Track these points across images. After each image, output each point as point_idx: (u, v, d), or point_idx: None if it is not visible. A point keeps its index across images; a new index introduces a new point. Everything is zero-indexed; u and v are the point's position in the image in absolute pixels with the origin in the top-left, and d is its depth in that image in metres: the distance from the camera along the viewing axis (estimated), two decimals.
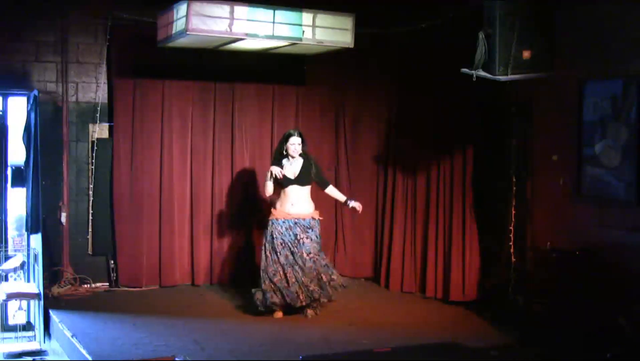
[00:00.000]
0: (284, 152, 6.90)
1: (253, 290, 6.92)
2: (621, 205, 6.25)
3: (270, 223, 6.89)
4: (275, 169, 6.79)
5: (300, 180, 6.88)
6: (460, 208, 7.63)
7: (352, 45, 6.90)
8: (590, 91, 6.52)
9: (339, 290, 6.97)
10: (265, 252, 6.87)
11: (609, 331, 5.91)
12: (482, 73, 6.13)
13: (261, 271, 6.86)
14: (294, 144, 6.85)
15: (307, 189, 6.94)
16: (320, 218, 7.01)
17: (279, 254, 6.78)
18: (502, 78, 6.09)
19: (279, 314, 6.86)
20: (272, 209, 6.94)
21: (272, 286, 6.75)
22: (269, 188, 6.90)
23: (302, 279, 6.73)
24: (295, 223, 6.84)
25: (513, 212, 7.28)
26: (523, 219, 7.22)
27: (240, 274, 8.28)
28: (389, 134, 8.47)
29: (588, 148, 6.55)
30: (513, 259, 7.26)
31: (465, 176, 7.64)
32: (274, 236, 6.82)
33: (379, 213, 8.53)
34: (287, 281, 6.73)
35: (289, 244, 6.80)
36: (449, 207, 7.71)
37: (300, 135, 6.91)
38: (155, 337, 6.23)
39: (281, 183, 6.86)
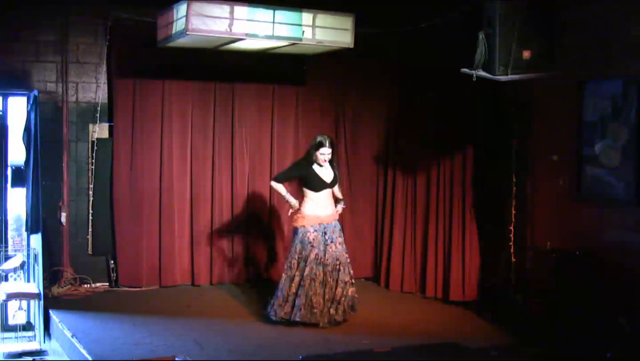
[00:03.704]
0: (313, 159, 6.67)
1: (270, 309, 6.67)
2: (621, 205, 6.25)
3: (300, 231, 6.62)
4: (292, 203, 6.71)
5: (333, 184, 6.75)
6: (460, 208, 7.63)
7: (352, 46, 6.89)
8: (590, 91, 6.52)
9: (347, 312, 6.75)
10: (291, 263, 6.62)
11: (609, 331, 5.91)
12: (482, 73, 6.12)
13: (285, 285, 6.61)
14: (324, 154, 6.63)
15: (332, 191, 6.83)
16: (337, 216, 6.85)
17: (307, 267, 6.51)
18: (502, 78, 6.09)
19: None
20: (300, 216, 6.67)
21: (293, 298, 6.53)
22: (293, 201, 6.72)
23: (326, 297, 6.53)
24: (335, 226, 6.68)
25: (513, 212, 7.29)
26: (523, 219, 7.23)
27: (241, 274, 8.29)
28: (389, 134, 8.47)
29: (588, 148, 6.55)
30: (513, 259, 7.27)
31: (465, 176, 7.64)
32: (305, 245, 6.57)
33: (379, 213, 8.53)
34: (310, 298, 6.48)
35: (321, 254, 6.56)
36: (449, 207, 7.71)
37: (331, 144, 6.68)
38: (155, 337, 6.24)
39: (315, 187, 6.65)
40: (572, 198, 6.72)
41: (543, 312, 6.63)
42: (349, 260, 6.79)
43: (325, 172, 6.72)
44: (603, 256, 6.27)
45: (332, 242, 6.65)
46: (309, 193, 6.69)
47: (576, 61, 6.54)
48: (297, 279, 6.55)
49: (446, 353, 5.57)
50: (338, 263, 6.64)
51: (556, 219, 6.88)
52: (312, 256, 6.56)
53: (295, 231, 6.71)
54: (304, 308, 6.48)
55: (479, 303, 7.41)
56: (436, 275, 7.77)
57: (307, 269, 6.53)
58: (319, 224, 6.63)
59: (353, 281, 6.79)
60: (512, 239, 7.27)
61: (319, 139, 6.70)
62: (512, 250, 7.27)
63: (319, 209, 6.66)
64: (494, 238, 7.51)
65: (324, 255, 6.59)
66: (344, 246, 6.78)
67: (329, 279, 6.58)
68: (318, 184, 6.67)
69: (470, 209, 7.61)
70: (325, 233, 6.65)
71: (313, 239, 6.59)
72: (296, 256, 6.61)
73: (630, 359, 5.67)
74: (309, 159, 6.72)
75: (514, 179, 7.31)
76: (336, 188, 6.88)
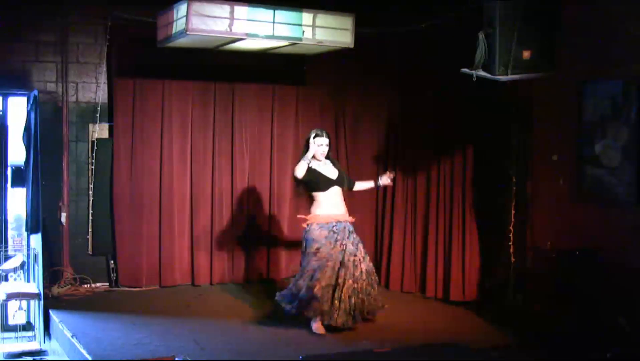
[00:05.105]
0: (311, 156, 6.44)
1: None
2: (621, 205, 6.25)
3: (306, 230, 6.42)
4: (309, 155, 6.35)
5: (340, 182, 6.53)
6: (460, 208, 7.64)
7: (352, 46, 6.89)
8: (590, 91, 6.52)
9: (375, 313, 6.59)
10: (305, 263, 6.39)
11: (609, 331, 5.91)
12: (482, 73, 6.12)
13: (304, 280, 6.32)
14: (322, 145, 6.46)
15: (342, 191, 6.59)
16: (353, 220, 6.64)
17: (319, 263, 6.26)
18: (502, 78, 6.09)
19: (320, 329, 6.32)
20: (309, 215, 6.46)
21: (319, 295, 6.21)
22: (303, 167, 6.31)
23: (343, 297, 6.22)
24: (345, 227, 6.43)
25: (513, 212, 7.28)
26: (523, 219, 7.22)
27: (241, 274, 8.29)
28: (389, 134, 8.46)
29: (588, 148, 6.55)
30: (513, 259, 7.26)
31: (465, 176, 7.64)
32: (309, 243, 6.36)
33: (379, 213, 8.52)
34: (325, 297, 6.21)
35: (326, 250, 6.30)
36: (449, 207, 7.71)
37: (328, 135, 6.53)
38: (155, 337, 6.23)
39: (320, 186, 6.42)
40: (572, 198, 6.73)
41: (543, 312, 6.64)
42: (367, 260, 6.51)
43: (328, 170, 6.53)
44: (603, 256, 6.26)
45: (343, 241, 6.37)
46: (316, 195, 6.47)
47: (576, 61, 6.54)
48: (306, 275, 6.31)
49: (446, 353, 5.57)
50: (354, 258, 6.36)
51: (556, 219, 6.88)
52: (314, 251, 6.31)
53: (303, 233, 6.52)
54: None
55: (479, 303, 7.41)
56: (436, 275, 7.77)
57: (315, 265, 6.27)
58: (326, 222, 6.40)
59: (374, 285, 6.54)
60: (512, 239, 7.26)
61: (314, 130, 6.54)
62: (512, 250, 7.26)
63: (328, 208, 6.45)
64: (494, 238, 7.50)
65: (333, 250, 6.29)
66: (360, 246, 6.50)
67: (340, 278, 6.25)
68: (324, 183, 6.46)
69: (470, 209, 7.61)
70: (334, 232, 6.38)
71: (318, 235, 6.35)
72: (305, 256, 6.43)
73: (630, 359, 5.67)
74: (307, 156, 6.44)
75: (514, 179, 7.30)
76: (359, 185, 6.81)
